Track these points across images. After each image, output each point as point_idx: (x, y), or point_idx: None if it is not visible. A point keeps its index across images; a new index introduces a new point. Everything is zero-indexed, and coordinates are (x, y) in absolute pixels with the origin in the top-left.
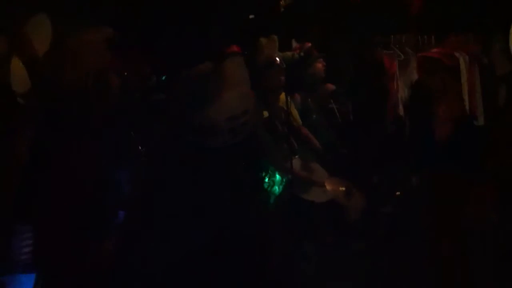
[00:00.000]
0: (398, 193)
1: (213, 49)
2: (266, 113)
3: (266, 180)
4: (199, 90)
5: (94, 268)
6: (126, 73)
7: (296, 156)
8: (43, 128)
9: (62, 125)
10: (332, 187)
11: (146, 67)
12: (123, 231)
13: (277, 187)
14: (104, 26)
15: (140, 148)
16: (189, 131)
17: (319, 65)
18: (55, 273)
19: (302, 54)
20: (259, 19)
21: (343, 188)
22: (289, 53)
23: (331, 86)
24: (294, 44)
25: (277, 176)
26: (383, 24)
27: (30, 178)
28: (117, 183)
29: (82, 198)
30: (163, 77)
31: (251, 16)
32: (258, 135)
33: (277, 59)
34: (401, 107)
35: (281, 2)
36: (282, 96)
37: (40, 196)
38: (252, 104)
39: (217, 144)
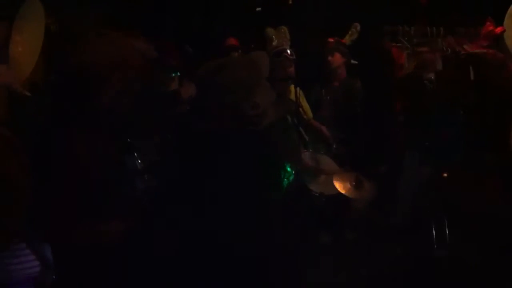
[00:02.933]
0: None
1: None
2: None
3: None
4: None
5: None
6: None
7: (309, 150)
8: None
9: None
10: (340, 182)
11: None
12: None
13: (286, 180)
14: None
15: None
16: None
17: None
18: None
19: None
20: (268, 10)
21: (353, 182)
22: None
23: None
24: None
25: (287, 168)
26: (392, 15)
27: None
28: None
29: (94, 186)
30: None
31: (258, 9)
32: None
33: (288, 50)
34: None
35: None
36: (292, 88)
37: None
38: (265, 98)
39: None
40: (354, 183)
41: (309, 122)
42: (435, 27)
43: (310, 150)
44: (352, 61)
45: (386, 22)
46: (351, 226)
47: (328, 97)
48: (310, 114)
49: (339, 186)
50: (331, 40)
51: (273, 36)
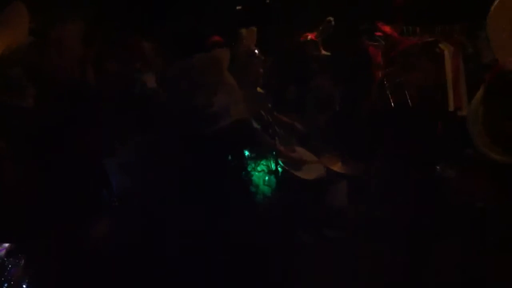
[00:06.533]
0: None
1: (201, 38)
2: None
3: (259, 168)
4: (188, 79)
5: (86, 251)
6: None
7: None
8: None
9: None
10: (329, 162)
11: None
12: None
13: (270, 176)
14: (77, 20)
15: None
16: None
17: None
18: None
19: None
20: (246, 10)
21: (340, 160)
22: None
23: None
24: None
25: (272, 164)
26: (369, 14)
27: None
28: (110, 171)
29: (77, 185)
30: None
31: (238, 7)
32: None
33: (256, 51)
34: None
35: None
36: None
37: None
38: (227, 97)
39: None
40: (341, 161)
41: (279, 118)
42: (411, 26)
43: (284, 143)
44: (324, 53)
45: (363, 20)
46: (332, 224)
47: (304, 97)
48: None
49: (329, 164)
50: (302, 39)
51: (244, 37)
